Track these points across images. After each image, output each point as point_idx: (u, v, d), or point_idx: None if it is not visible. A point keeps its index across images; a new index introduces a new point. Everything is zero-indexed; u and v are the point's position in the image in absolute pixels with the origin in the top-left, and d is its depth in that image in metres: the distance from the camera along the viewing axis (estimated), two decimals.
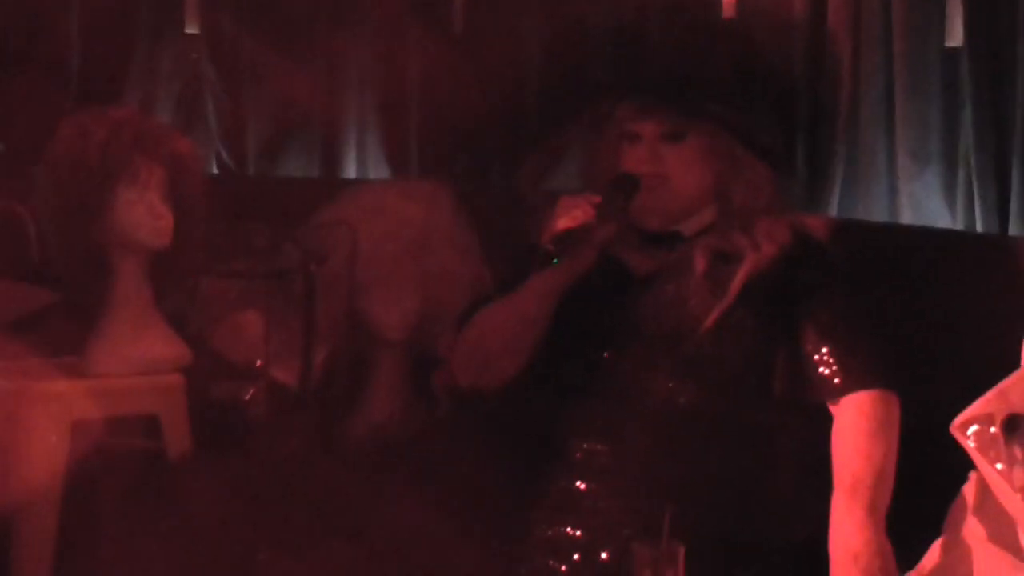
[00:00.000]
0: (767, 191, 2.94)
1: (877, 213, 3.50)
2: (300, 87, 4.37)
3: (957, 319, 3.03)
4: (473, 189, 4.09)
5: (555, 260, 2.79)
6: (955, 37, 3.34)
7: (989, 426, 2.32)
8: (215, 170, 4.56)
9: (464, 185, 4.09)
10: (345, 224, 3.81)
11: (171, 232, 3.41)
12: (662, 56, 3.31)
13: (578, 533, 2.78)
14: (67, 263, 3.45)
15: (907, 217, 3.42)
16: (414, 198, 3.97)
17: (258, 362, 3.75)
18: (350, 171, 4.50)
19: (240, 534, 2.77)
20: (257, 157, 4.57)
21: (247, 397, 3.72)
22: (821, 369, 2.76)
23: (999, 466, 2.31)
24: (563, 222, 2.78)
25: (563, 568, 2.76)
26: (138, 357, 3.42)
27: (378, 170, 4.46)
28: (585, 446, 2.83)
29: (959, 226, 3.34)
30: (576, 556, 2.76)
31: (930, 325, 3.05)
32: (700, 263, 2.86)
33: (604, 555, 2.74)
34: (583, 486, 2.80)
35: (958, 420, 2.37)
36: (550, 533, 2.79)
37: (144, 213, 3.38)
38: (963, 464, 2.44)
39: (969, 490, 2.47)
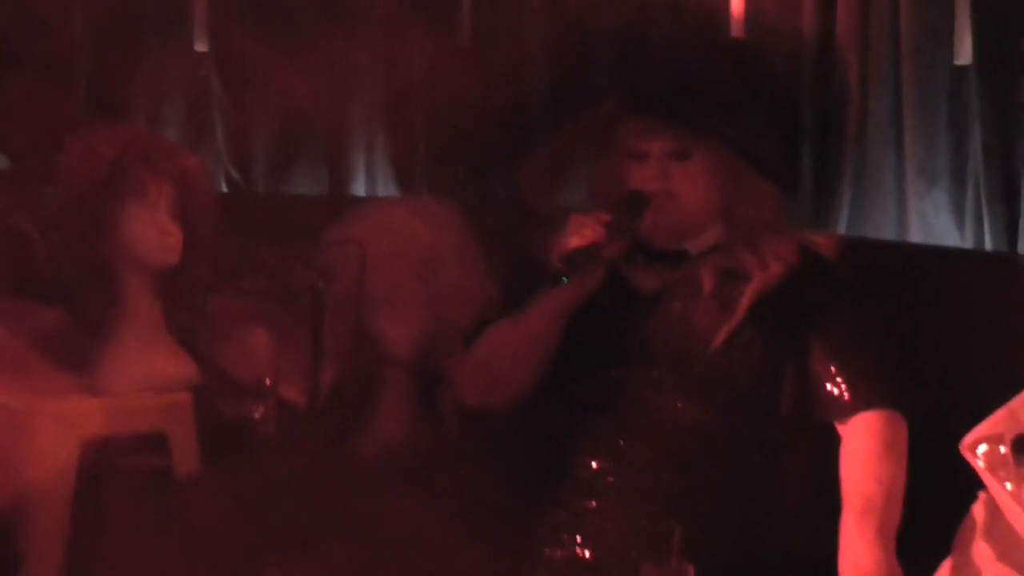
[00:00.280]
0: (774, 209, 2.95)
1: (885, 231, 3.50)
2: (308, 105, 4.37)
3: (966, 338, 3.03)
4: (482, 207, 4.09)
5: (564, 278, 2.79)
6: (964, 55, 3.34)
7: (999, 445, 2.32)
8: (224, 188, 4.56)
9: (473, 203, 4.08)
10: (354, 242, 3.80)
11: (180, 250, 3.41)
12: (670, 74, 3.32)
13: (586, 553, 2.77)
14: (75, 281, 3.45)
15: (915, 235, 3.42)
16: (423, 216, 3.96)
17: (266, 380, 3.74)
18: (359, 189, 4.49)
19: (248, 552, 2.77)
20: (266, 174, 4.57)
21: (255, 415, 3.71)
22: (829, 388, 2.76)
23: (1009, 485, 2.31)
24: (573, 240, 2.79)
25: None
26: (146, 375, 3.41)
27: (387, 188, 4.46)
28: (593, 465, 2.82)
29: (968, 244, 3.33)
30: None
31: (939, 344, 3.04)
32: (708, 281, 2.87)
33: (613, 575, 2.74)
34: (591, 505, 2.80)
35: (968, 439, 2.37)
36: (559, 553, 2.79)
37: (153, 231, 3.38)
38: (972, 484, 2.43)
39: (978, 510, 2.46)
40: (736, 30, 3.72)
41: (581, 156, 3.26)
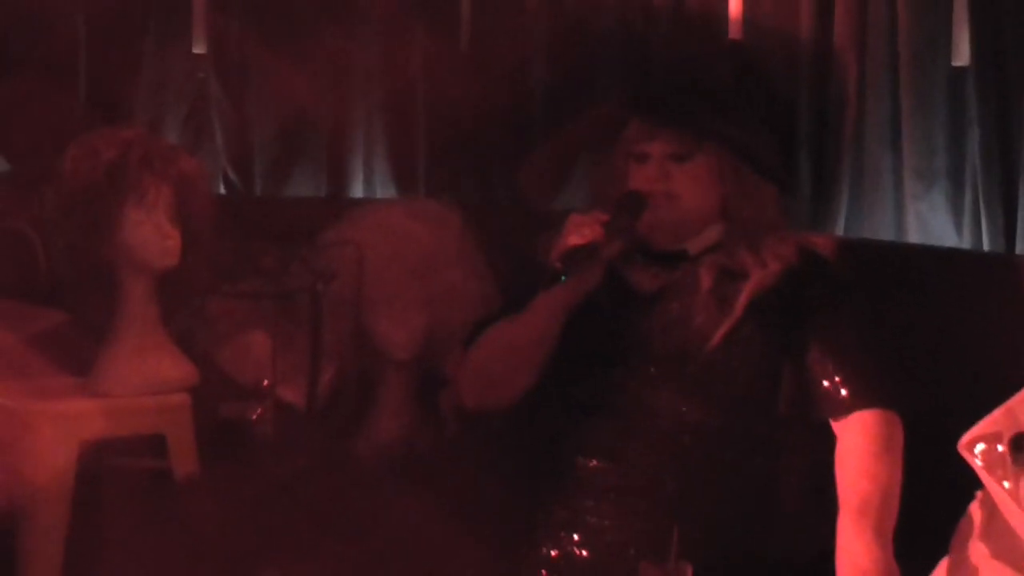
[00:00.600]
0: (773, 209, 2.96)
1: (883, 232, 3.50)
2: (307, 107, 4.38)
3: (963, 337, 3.03)
4: (480, 208, 4.09)
5: (563, 277, 2.79)
6: (961, 56, 3.34)
7: (996, 444, 2.33)
8: (222, 190, 4.56)
9: (471, 204, 4.09)
10: (352, 244, 3.81)
11: (179, 252, 3.41)
12: (670, 76, 3.32)
13: (584, 552, 2.77)
14: (75, 283, 3.46)
15: (913, 236, 3.42)
16: (421, 217, 3.97)
17: (265, 382, 3.74)
18: (357, 190, 4.50)
19: (246, 554, 2.77)
20: (264, 177, 4.57)
21: (254, 417, 3.72)
22: (826, 387, 2.77)
23: (1006, 484, 2.31)
24: (572, 239, 2.79)
25: None
26: (145, 377, 3.42)
27: (385, 189, 4.46)
28: (591, 464, 2.83)
29: (965, 245, 3.33)
30: None
31: (936, 343, 3.05)
32: (706, 280, 2.87)
33: (611, 575, 2.74)
34: (589, 504, 2.80)
35: (965, 439, 2.37)
36: (556, 553, 2.79)
37: (152, 233, 3.38)
38: (970, 483, 2.43)
39: (976, 509, 2.46)
40: (734, 32, 3.72)
41: (581, 157, 3.27)
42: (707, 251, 2.92)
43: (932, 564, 2.52)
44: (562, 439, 2.87)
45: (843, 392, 2.74)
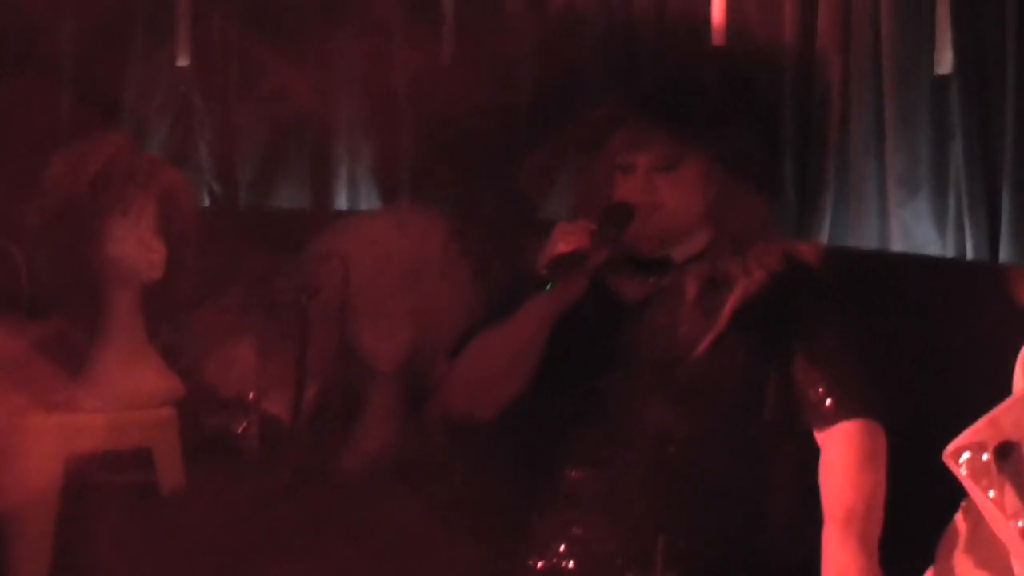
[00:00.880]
0: (758, 217, 2.95)
1: (867, 240, 3.51)
2: (290, 118, 4.38)
3: (948, 346, 3.03)
4: (464, 218, 4.09)
5: (548, 285, 2.79)
6: (945, 65, 3.35)
7: (981, 454, 2.32)
8: (206, 202, 4.56)
9: (455, 214, 4.08)
10: (337, 255, 3.81)
11: (163, 265, 3.41)
12: (654, 87, 3.32)
13: (570, 564, 2.77)
14: (59, 296, 3.45)
15: (897, 244, 3.42)
16: (405, 228, 3.97)
17: (250, 395, 3.74)
18: (341, 202, 4.50)
19: (233, 566, 2.77)
20: (248, 189, 4.57)
21: (240, 430, 3.71)
22: (811, 396, 2.77)
23: (992, 494, 2.31)
24: (558, 247, 2.79)
25: None
26: (130, 391, 3.41)
27: (369, 200, 4.46)
28: (577, 474, 2.82)
29: (949, 253, 3.34)
30: None
31: (920, 352, 3.05)
32: (691, 290, 2.87)
33: None
34: (575, 515, 2.80)
35: (950, 448, 2.36)
36: (543, 564, 2.79)
37: (136, 246, 3.38)
38: (955, 492, 2.43)
39: (961, 518, 2.46)
40: (717, 38, 3.72)
41: (571, 163, 3.27)
42: (693, 258, 2.92)
43: (918, 574, 2.51)
44: (548, 449, 2.86)
45: (827, 402, 2.74)
